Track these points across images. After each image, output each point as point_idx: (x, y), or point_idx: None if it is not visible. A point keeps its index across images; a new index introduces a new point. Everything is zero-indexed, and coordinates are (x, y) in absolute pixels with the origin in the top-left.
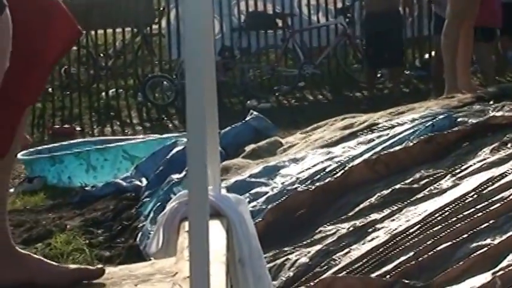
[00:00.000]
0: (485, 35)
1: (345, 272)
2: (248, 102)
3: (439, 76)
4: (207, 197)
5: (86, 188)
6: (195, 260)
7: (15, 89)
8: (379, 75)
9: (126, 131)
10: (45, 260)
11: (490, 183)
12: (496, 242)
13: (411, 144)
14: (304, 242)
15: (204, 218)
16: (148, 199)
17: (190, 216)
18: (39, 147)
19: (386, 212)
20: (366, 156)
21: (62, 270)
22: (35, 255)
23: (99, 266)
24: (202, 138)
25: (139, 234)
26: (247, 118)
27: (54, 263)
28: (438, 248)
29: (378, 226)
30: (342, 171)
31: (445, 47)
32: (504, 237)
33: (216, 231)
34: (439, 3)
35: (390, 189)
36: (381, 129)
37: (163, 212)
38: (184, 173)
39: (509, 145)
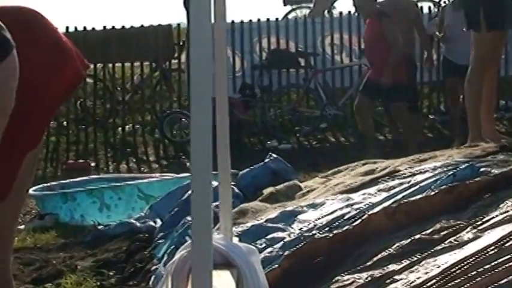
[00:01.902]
0: None
1: None
2: (268, 142)
3: (456, 121)
4: (211, 247)
5: (99, 227)
6: None
7: (17, 133)
8: None
9: (142, 168)
10: None
11: None
12: None
13: (432, 193)
14: None
15: (207, 270)
16: (162, 241)
17: (193, 268)
18: (51, 183)
19: (405, 263)
20: (386, 204)
21: None
22: None
23: None
24: (207, 184)
25: (153, 278)
26: (266, 160)
27: None
28: None
29: (396, 277)
30: (361, 219)
31: (468, 93)
32: None
33: (226, 282)
34: (447, 43)
35: (410, 240)
36: (402, 176)
37: (172, 260)
38: None
39: None
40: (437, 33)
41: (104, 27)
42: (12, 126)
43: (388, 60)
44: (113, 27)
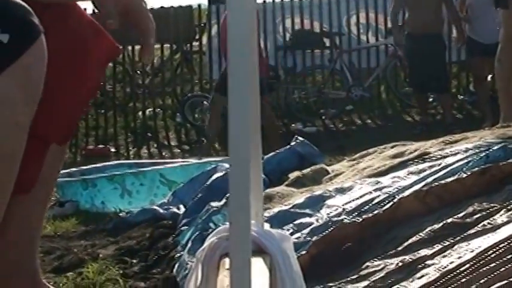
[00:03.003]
0: None
1: None
2: (293, 125)
3: (484, 101)
4: (250, 234)
5: (121, 214)
6: None
7: (41, 123)
8: (431, 99)
9: (163, 153)
10: None
11: None
12: None
13: (464, 175)
14: (350, 278)
15: (247, 257)
16: (186, 227)
17: (231, 255)
18: (71, 169)
19: (437, 247)
20: (416, 187)
21: None
22: None
23: None
24: (246, 170)
25: (177, 265)
26: (292, 143)
27: None
28: (492, 287)
29: (428, 262)
30: (391, 203)
31: (499, 72)
32: None
33: (259, 270)
34: (470, 23)
35: (441, 224)
36: (432, 158)
37: (202, 247)
38: (224, 201)
39: None
40: (459, 13)
41: None
42: (37, 118)
43: None
44: None
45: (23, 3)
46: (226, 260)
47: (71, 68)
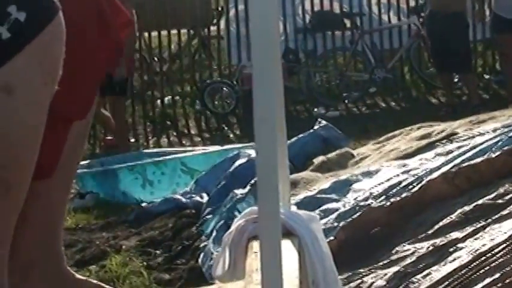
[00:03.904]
0: None
1: None
2: (315, 109)
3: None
4: (279, 215)
5: (142, 205)
6: (267, 284)
7: (60, 102)
8: (456, 79)
9: (183, 142)
10: (104, 285)
11: None
12: None
13: (494, 155)
14: (380, 263)
15: (276, 239)
16: (210, 216)
17: (261, 237)
18: (90, 160)
19: (469, 230)
20: (444, 169)
21: None
22: (92, 281)
23: None
24: (273, 151)
25: (202, 255)
26: (316, 127)
27: None
28: None
29: (460, 245)
30: (419, 185)
31: None
32: None
33: (287, 252)
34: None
35: (472, 205)
36: (460, 139)
37: (229, 230)
38: (248, 188)
39: None
40: None
41: None
42: (56, 96)
43: None
44: None
45: None
46: (254, 243)
47: (87, 41)
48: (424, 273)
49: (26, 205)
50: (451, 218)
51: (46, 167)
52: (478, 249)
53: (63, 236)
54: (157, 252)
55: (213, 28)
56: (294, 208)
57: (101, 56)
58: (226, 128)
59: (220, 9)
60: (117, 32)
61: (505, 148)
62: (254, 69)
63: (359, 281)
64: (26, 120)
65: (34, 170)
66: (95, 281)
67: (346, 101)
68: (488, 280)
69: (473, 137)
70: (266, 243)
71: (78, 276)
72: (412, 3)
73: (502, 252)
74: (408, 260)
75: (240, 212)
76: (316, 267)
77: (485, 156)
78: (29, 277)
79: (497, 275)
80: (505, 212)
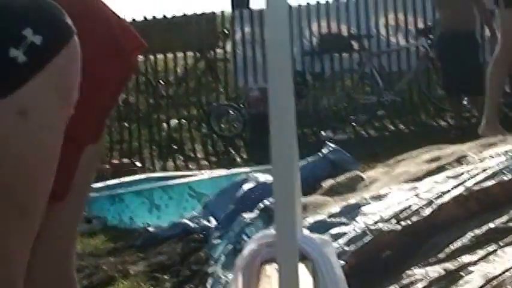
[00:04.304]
0: None
1: None
2: (323, 133)
3: None
4: (297, 240)
5: (150, 229)
6: None
7: (73, 126)
8: (465, 102)
9: (190, 165)
10: None
11: None
12: None
13: (506, 178)
14: (392, 287)
15: (294, 264)
16: (218, 241)
17: (279, 261)
18: (96, 184)
19: (481, 253)
20: (456, 192)
21: None
22: None
23: None
24: (291, 175)
25: (210, 280)
26: (324, 151)
27: None
28: None
29: (472, 269)
30: (430, 209)
31: None
32: None
33: (302, 276)
34: None
35: (484, 229)
36: (471, 162)
37: (241, 254)
38: (257, 212)
39: None
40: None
41: (145, 17)
42: (70, 120)
43: None
44: (154, 17)
45: (56, 4)
46: (267, 267)
47: (100, 64)
48: None
49: (39, 228)
50: (463, 241)
51: (58, 191)
52: (490, 273)
53: (75, 260)
54: (166, 277)
55: (219, 51)
56: (306, 232)
57: (114, 79)
58: (233, 151)
59: (226, 31)
60: (129, 56)
61: None
62: (270, 92)
63: None
64: (42, 144)
65: None
66: None
67: (353, 124)
68: None
69: (484, 159)
70: (284, 267)
71: None
72: (421, 25)
73: None
74: (419, 285)
75: (248, 236)
76: None
77: (497, 179)
78: None
79: None
80: None
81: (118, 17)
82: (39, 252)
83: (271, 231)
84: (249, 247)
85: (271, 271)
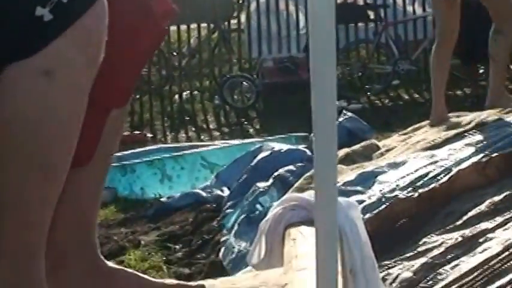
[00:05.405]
0: None
1: (453, 287)
2: (337, 103)
3: None
4: (337, 201)
5: (161, 200)
6: (322, 271)
7: (99, 88)
8: (481, 71)
9: (202, 137)
10: (141, 274)
11: None
12: None
13: None
14: (407, 255)
15: (334, 225)
16: (231, 210)
17: (317, 225)
18: None
19: (499, 220)
20: (474, 159)
21: (159, 285)
22: (127, 270)
23: (200, 282)
24: (332, 138)
25: (223, 249)
26: (340, 119)
27: (148, 277)
28: None
29: (490, 236)
30: (448, 176)
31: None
32: None
33: None
34: None
35: (502, 196)
36: (490, 129)
37: (265, 218)
38: (271, 181)
39: None
40: None
41: None
42: (95, 82)
43: None
44: None
45: None
46: (291, 231)
47: (128, 26)
48: (453, 264)
49: (61, 192)
50: (481, 208)
51: (83, 155)
52: (508, 240)
53: (96, 226)
54: (177, 247)
55: (233, 21)
56: None
57: (142, 42)
58: (245, 122)
59: (241, 2)
60: (159, 20)
61: None
62: (312, 62)
63: (385, 272)
64: (67, 105)
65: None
66: (130, 270)
67: (368, 94)
68: None
69: (503, 126)
70: (322, 230)
71: (112, 265)
72: None
73: None
74: (436, 251)
75: (262, 205)
76: (354, 255)
77: None
78: (62, 265)
79: None
80: None
81: None
82: (61, 217)
83: (296, 194)
84: (273, 211)
85: (295, 234)
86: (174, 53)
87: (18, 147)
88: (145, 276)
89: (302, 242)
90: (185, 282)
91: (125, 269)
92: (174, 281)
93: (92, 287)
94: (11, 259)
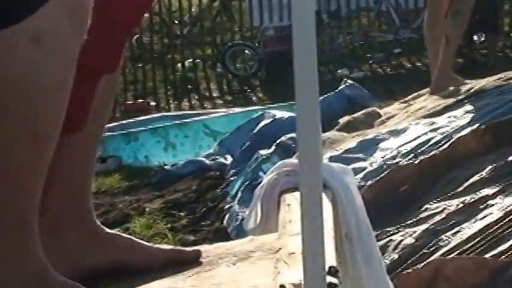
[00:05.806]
0: None
1: (455, 253)
2: (339, 71)
3: None
4: (321, 167)
5: (165, 167)
6: (308, 234)
7: (88, 54)
8: (483, 39)
9: (205, 105)
10: (136, 239)
11: None
12: None
13: None
14: (409, 221)
15: (318, 190)
16: (234, 178)
17: (302, 189)
18: (111, 124)
19: (500, 186)
20: (474, 126)
21: (154, 250)
22: (124, 235)
23: (195, 247)
24: (315, 103)
25: (227, 216)
26: (341, 87)
27: (145, 242)
28: None
29: (491, 202)
30: (449, 143)
31: None
32: None
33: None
34: None
35: (503, 162)
36: (489, 96)
37: (260, 184)
38: (273, 148)
39: None
40: None
41: None
42: (85, 47)
43: None
44: None
45: None
46: (287, 196)
47: None
48: (454, 230)
49: (54, 159)
50: (481, 175)
51: (75, 120)
52: (509, 206)
53: (91, 193)
54: (182, 214)
55: None
56: (325, 161)
57: (131, 6)
58: (248, 90)
59: None
60: None
61: None
62: (294, 27)
63: (387, 239)
64: (55, 71)
65: (63, 123)
66: (126, 235)
67: (370, 62)
68: None
69: (501, 93)
70: (307, 195)
71: (108, 230)
72: None
73: None
74: (437, 218)
75: (264, 173)
76: (349, 220)
77: None
78: (58, 232)
79: None
80: None
81: None
82: (55, 183)
83: (290, 160)
84: (268, 176)
85: (290, 200)
86: (176, 22)
87: (8, 109)
88: (142, 242)
89: (296, 207)
90: (181, 248)
91: (122, 234)
92: (169, 246)
93: (88, 253)
94: (2, 224)
